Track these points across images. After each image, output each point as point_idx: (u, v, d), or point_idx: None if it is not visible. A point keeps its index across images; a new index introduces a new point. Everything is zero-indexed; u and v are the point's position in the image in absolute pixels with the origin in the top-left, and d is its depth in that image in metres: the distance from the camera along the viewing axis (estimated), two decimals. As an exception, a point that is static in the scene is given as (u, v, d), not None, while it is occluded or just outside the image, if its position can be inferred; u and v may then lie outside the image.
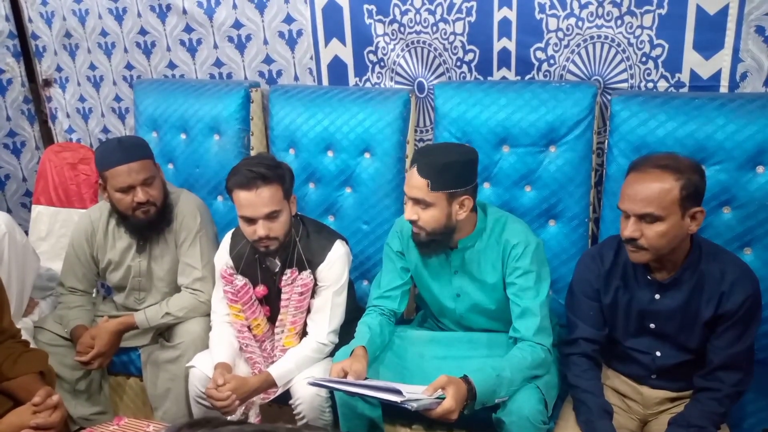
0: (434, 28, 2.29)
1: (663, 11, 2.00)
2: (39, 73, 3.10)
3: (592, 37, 2.12)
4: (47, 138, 3.22)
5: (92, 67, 2.96)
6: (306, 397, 1.91)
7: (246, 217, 1.93)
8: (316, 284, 2.04)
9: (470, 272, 1.90)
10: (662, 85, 2.07)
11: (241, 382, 1.90)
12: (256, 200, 1.89)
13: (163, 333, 2.26)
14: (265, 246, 1.96)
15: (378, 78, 2.46)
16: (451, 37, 2.28)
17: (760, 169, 1.87)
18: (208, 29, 2.64)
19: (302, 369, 1.98)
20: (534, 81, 2.21)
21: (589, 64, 2.16)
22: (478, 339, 1.95)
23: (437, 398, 1.61)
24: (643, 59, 2.07)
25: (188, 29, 2.68)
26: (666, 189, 1.53)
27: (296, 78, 2.58)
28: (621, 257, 1.73)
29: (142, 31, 2.77)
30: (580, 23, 2.12)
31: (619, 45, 2.10)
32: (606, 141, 2.07)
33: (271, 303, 2.11)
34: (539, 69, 2.21)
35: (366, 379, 1.73)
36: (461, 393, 1.61)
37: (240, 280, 2.07)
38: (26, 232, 2.66)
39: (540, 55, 2.20)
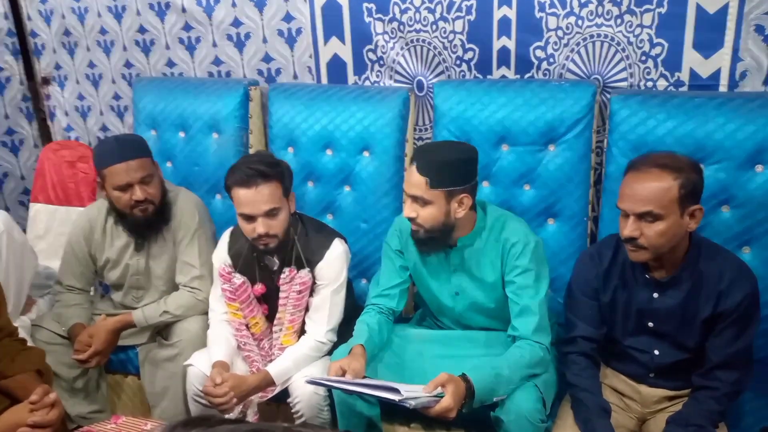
0: (434, 27, 2.29)
1: (663, 10, 2.00)
2: (38, 71, 3.09)
3: (591, 36, 2.12)
4: (46, 136, 3.21)
5: (91, 65, 2.95)
6: (304, 396, 1.91)
7: (245, 215, 1.93)
8: (314, 282, 2.04)
9: (469, 270, 1.90)
10: (662, 84, 2.07)
11: (239, 380, 1.90)
12: (256, 197, 1.89)
13: (161, 331, 2.26)
14: (265, 243, 1.96)
15: (377, 76, 2.46)
16: (451, 36, 2.28)
17: (759, 168, 1.87)
18: (207, 27, 2.64)
19: (300, 367, 1.97)
20: (533, 80, 2.21)
21: (589, 62, 2.16)
22: (476, 337, 1.95)
23: (435, 396, 1.60)
24: (643, 58, 2.07)
25: (187, 27, 2.68)
26: (665, 188, 1.54)
27: (295, 76, 2.58)
28: (620, 256, 1.73)
29: (141, 29, 2.77)
30: (579, 22, 2.11)
31: (618, 44, 2.10)
32: (605, 140, 2.07)
33: (270, 301, 2.10)
34: (539, 68, 2.21)
35: (364, 377, 1.73)
36: (460, 391, 1.60)
37: (238, 279, 2.07)
38: (24, 231, 2.65)
39: (539, 53, 2.20)
